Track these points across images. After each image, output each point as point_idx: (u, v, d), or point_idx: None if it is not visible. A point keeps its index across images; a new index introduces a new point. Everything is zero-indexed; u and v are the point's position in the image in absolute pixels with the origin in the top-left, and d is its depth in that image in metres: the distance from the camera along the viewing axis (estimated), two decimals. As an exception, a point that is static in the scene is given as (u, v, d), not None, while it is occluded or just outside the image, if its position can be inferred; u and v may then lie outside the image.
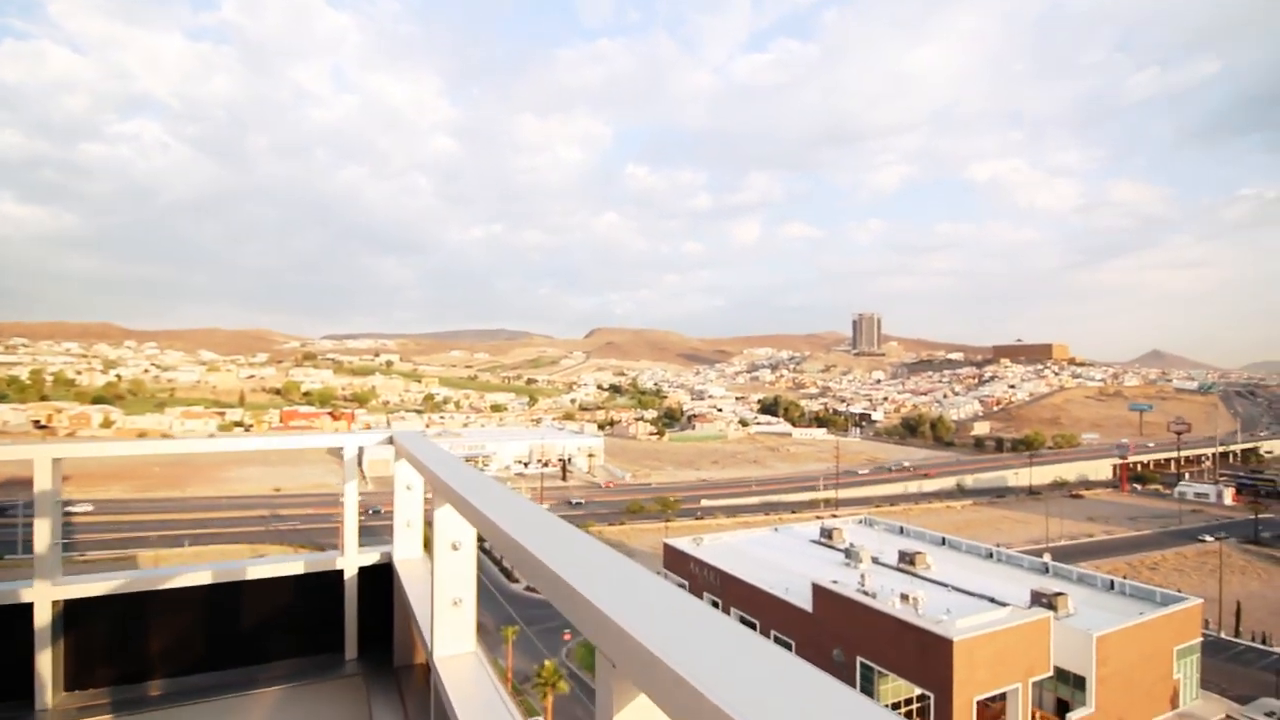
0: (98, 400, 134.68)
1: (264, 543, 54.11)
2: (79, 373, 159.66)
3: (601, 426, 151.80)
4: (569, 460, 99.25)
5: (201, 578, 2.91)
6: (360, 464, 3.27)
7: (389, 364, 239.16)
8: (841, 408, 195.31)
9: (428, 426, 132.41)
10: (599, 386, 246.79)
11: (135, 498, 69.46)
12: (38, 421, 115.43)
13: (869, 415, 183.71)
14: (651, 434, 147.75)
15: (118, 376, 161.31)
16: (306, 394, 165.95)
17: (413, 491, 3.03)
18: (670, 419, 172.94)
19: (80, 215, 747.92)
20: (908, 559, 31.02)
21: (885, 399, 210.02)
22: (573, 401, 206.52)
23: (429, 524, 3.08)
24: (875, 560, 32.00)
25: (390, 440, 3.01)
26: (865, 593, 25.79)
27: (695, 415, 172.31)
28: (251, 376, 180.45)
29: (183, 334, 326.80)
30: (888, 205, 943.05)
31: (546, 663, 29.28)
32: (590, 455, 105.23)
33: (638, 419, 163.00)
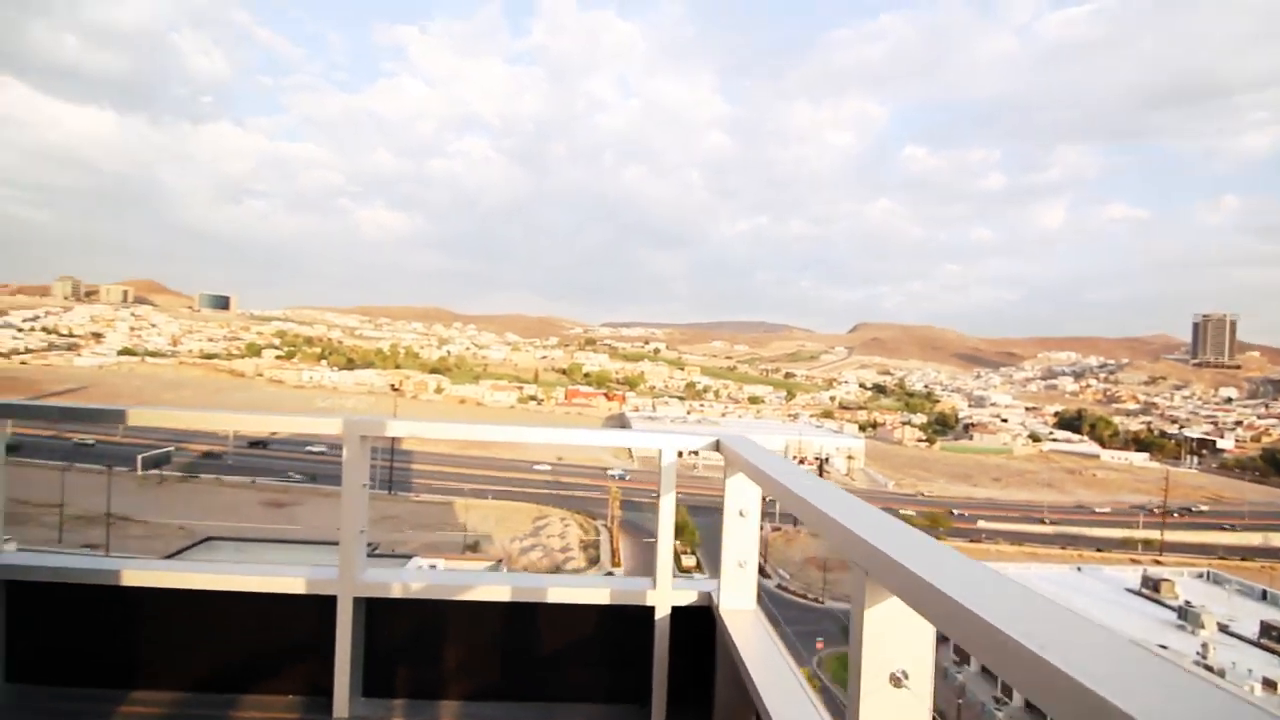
0: (434, 371, 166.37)
1: (548, 504, 61.33)
2: (421, 348, 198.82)
3: (863, 428, 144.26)
4: (827, 460, 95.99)
5: (501, 592, 2.57)
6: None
7: (656, 351, 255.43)
8: (1172, 430, 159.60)
9: (688, 413, 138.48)
10: (861, 385, 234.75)
11: (455, 453, 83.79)
12: (393, 385, 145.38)
13: (1213, 442, 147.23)
14: (920, 441, 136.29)
15: (448, 352, 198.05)
16: (587, 375, 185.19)
17: (747, 520, 2.32)
18: (943, 426, 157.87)
19: (426, 219, 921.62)
20: (1275, 634, 24.13)
21: (1239, 423, 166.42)
22: (832, 399, 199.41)
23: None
24: (1224, 629, 25.48)
25: (716, 446, 2.37)
26: (1208, 668, 20.63)
27: (973, 424, 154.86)
28: (544, 357, 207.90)
29: (494, 318, 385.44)
30: (1253, 177, 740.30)
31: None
32: (850, 457, 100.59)
33: (904, 423, 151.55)
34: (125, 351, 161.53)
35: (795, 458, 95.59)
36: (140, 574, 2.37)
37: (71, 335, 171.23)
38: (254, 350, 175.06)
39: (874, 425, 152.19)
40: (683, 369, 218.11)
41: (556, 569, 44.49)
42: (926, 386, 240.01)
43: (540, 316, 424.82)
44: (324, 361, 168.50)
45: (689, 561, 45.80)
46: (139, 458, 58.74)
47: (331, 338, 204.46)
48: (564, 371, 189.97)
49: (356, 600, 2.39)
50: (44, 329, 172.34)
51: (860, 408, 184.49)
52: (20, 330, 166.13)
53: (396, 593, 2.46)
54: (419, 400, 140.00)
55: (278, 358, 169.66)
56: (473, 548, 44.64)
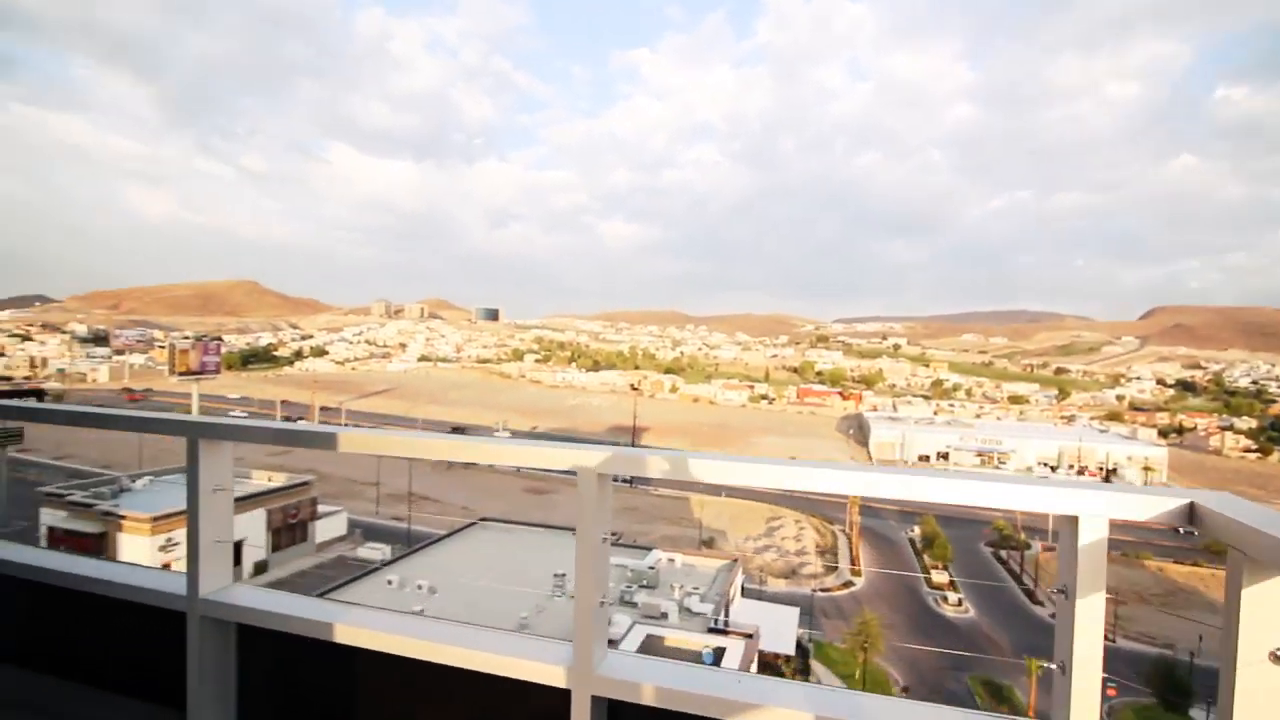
0: (669, 371, 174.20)
1: (780, 505, 60.62)
2: (657, 350, 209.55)
3: (1164, 433, 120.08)
4: (1114, 470, 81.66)
5: (793, 717, 1.57)
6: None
7: (896, 347, 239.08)
8: None
9: (935, 414, 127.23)
10: (1160, 382, 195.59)
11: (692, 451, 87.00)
12: (632, 385, 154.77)
13: None
14: (1247, 450, 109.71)
15: (681, 353, 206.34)
16: (819, 374, 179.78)
17: None
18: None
19: (660, 227, 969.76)
20: None
21: None
22: (1120, 399, 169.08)
23: None
24: None
25: (1190, 516, 1.18)
26: None
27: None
28: (774, 356, 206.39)
29: (724, 319, 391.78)
30: None
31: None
32: (1146, 468, 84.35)
33: (1223, 428, 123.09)
34: (422, 358, 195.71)
35: (1074, 467, 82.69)
36: (364, 633, 2.01)
37: (385, 346, 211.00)
38: (518, 355, 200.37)
39: (1179, 430, 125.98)
40: (927, 365, 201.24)
41: (792, 572, 43.74)
42: (1256, 383, 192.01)
43: (770, 315, 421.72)
44: (573, 364, 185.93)
45: (940, 578, 42.05)
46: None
47: (579, 342, 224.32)
48: (795, 370, 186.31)
49: (595, 700, 1.76)
50: (366, 341, 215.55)
51: (1159, 409, 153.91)
52: (350, 343, 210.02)
53: (647, 697, 1.71)
54: (655, 399, 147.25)
55: (536, 361, 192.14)
56: (708, 544, 45.75)
